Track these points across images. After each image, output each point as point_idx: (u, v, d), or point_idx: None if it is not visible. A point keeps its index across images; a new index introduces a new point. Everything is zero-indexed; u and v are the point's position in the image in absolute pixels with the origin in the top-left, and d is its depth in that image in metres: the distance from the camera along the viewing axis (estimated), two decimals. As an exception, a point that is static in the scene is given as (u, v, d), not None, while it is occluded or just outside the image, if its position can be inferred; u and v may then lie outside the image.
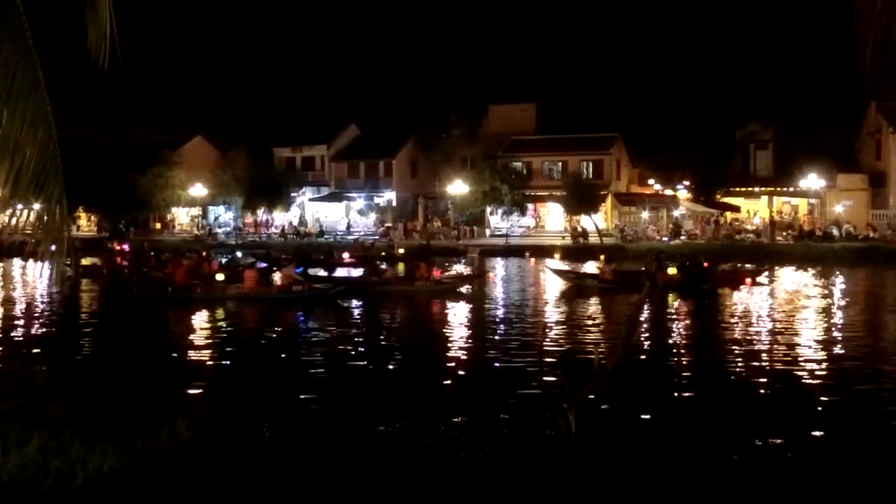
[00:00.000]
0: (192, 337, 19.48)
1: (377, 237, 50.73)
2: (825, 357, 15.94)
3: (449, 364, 15.71)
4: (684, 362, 15.97)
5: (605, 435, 9.65)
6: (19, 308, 24.27)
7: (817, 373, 14.46)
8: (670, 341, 18.20)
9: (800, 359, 15.80)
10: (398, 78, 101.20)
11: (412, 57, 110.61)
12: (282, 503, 6.29)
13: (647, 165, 55.61)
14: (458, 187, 52.08)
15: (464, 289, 27.41)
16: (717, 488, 7.89)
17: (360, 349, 17.56)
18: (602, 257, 32.65)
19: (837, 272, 34.23)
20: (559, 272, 30.59)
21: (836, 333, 19.18)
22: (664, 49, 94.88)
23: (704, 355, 16.60)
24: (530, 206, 54.52)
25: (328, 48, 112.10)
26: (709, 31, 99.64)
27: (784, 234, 47.22)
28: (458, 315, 23.14)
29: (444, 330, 20.49)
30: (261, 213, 59.81)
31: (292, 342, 18.61)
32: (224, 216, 62.29)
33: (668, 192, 54.18)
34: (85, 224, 63.72)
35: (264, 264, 30.44)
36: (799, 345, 17.54)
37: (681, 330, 20.55)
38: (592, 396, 9.23)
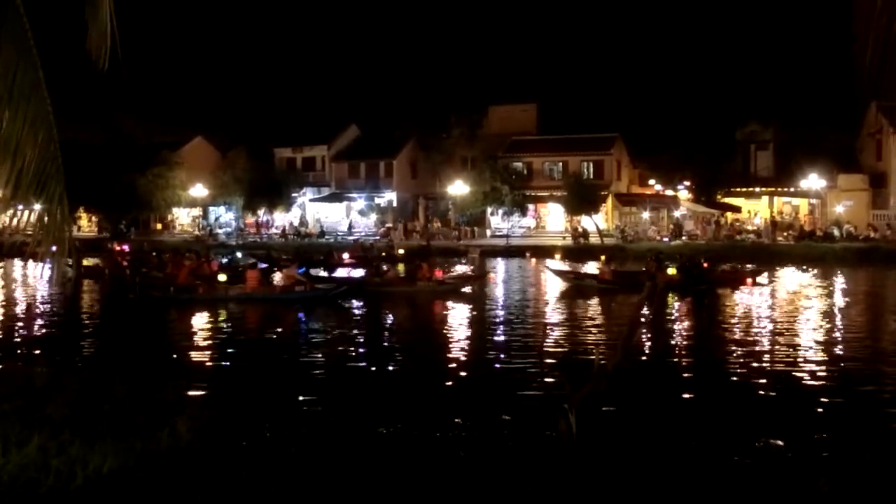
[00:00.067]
0: (193, 337, 19.47)
1: (378, 238, 50.72)
2: (825, 357, 15.91)
3: (450, 364, 15.70)
4: (684, 363, 15.95)
5: (606, 435, 9.65)
6: (20, 308, 24.25)
7: (818, 373, 14.44)
8: (670, 342, 18.17)
9: (800, 359, 15.77)
10: (398, 78, 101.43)
11: (412, 57, 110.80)
12: (282, 503, 6.29)
13: (648, 166, 55.63)
14: (458, 188, 52.09)
15: (466, 289, 27.43)
16: (718, 489, 7.88)
17: (361, 349, 17.56)
18: (602, 258, 32.67)
19: (838, 272, 34.23)
20: (559, 272, 30.60)
21: (836, 334, 19.16)
22: (664, 49, 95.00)
23: (705, 356, 16.59)
24: (531, 206, 54.56)
25: (328, 48, 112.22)
26: (708, 31, 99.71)
27: (785, 234, 47.23)
28: (458, 315, 23.13)
29: (445, 330, 20.48)
30: (261, 214, 59.81)
31: (293, 342, 18.59)
32: (225, 217, 62.30)
33: (669, 192, 54.18)
34: (86, 224, 63.80)
35: (265, 265, 30.43)
36: (799, 345, 17.52)
37: (681, 330, 20.53)
38: (593, 397, 9.23)
